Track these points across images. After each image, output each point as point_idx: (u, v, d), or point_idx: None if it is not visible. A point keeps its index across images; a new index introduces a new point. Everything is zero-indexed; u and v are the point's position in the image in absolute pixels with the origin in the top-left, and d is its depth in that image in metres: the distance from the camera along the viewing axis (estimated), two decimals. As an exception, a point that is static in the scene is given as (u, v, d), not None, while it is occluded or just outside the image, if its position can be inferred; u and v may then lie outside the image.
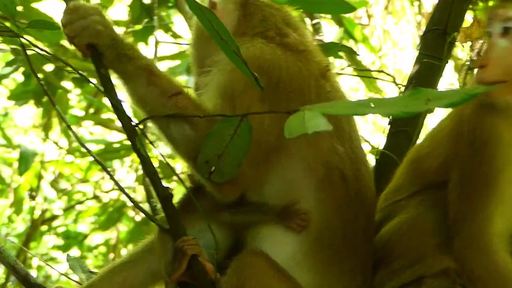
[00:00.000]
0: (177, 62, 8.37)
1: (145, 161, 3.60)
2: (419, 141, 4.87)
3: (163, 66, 8.50)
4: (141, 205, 3.99)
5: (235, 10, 4.19)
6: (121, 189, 3.78)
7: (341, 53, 6.98)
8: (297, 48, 4.01)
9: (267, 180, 3.82)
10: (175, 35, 8.43)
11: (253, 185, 3.79)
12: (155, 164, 4.82)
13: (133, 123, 3.60)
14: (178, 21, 8.94)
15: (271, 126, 3.67)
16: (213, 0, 4.17)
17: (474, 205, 3.57)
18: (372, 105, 3.17)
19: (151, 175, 3.63)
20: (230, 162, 3.40)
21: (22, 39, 3.88)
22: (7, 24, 3.97)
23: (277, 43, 3.99)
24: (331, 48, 5.68)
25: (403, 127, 4.86)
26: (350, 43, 8.11)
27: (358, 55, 7.31)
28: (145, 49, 8.51)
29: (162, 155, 3.83)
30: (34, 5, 7.04)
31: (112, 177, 3.91)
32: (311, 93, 3.82)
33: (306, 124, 2.96)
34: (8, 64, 7.78)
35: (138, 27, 8.15)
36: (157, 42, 6.12)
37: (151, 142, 3.81)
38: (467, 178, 3.62)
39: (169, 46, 8.71)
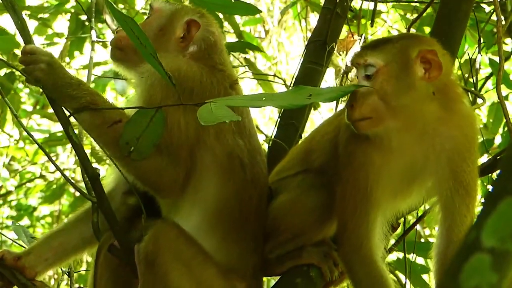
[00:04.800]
0: (108, 66, 8.28)
1: (77, 147, 3.53)
2: (305, 132, 4.88)
3: (97, 71, 8.46)
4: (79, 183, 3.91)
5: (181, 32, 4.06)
6: (60, 171, 3.69)
7: (242, 61, 6.94)
8: (216, 68, 3.97)
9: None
10: (105, 45, 8.33)
11: (184, 180, 3.73)
12: (88, 150, 4.70)
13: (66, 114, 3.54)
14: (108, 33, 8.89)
15: (187, 125, 3.67)
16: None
17: (356, 218, 3.54)
18: (264, 99, 3.15)
19: (81, 159, 3.59)
20: (146, 143, 3.36)
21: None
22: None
23: (202, 62, 3.94)
24: (241, 46, 5.70)
25: (291, 120, 4.84)
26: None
27: (263, 51, 7.30)
28: (81, 57, 8.54)
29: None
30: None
31: (53, 162, 3.82)
32: None
33: (215, 114, 2.94)
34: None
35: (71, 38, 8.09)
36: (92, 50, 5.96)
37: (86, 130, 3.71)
38: (348, 196, 3.57)
39: (101, 53, 8.58)
